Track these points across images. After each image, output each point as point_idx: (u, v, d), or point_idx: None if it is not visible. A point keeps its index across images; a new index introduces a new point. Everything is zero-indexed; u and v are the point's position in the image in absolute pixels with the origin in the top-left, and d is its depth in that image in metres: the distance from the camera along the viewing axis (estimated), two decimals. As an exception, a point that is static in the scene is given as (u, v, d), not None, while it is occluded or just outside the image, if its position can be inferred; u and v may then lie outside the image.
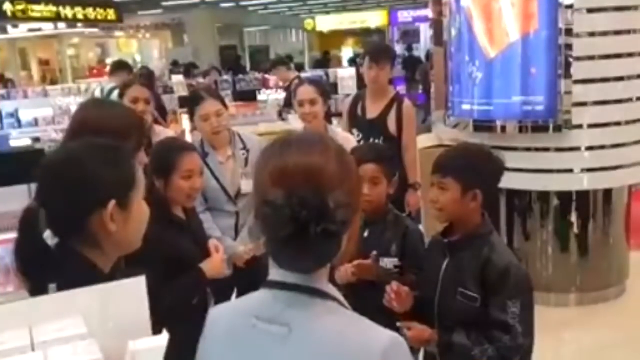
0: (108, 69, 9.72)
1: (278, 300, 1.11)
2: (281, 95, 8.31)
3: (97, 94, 7.49)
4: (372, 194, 2.37)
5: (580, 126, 3.98)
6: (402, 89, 11.41)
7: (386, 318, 1.54)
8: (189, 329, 1.34)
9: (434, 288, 2.12)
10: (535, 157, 4.10)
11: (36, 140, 6.47)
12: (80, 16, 13.49)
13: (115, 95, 4.38)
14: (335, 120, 5.55)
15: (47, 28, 16.37)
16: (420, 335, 2.03)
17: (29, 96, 8.79)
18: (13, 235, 1.53)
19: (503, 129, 4.12)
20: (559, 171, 4.09)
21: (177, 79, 10.13)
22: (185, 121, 7.01)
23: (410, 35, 22.27)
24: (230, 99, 8.41)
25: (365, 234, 2.37)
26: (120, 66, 6.57)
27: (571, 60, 3.86)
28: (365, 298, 1.92)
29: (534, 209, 4.25)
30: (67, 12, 12.96)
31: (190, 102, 3.30)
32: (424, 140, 5.08)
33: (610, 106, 3.97)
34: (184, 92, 8.74)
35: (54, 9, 12.49)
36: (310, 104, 3.43)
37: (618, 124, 4.00)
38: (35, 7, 12.05)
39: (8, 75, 16.21)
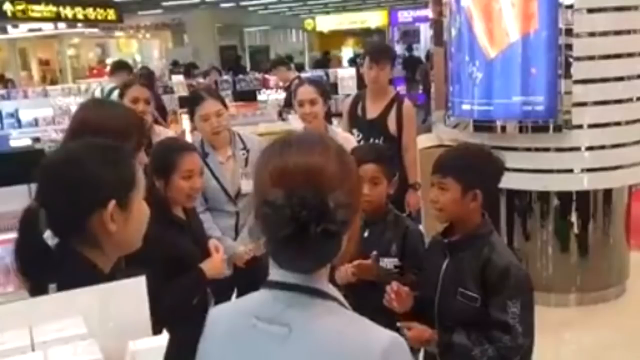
0: (108, 69, 9.72)
1: (278, 300, 1.11)
2: (281, 95, 8.31)
3: (97, 94, 7.49)
4: (372, 194, 2.37)
5: (580, 126, 3.98)
6: (402, 89, 11.42)
7: (386, 318, 1.54)
8: (189, 329, 1.34)
9: (434, 288, 2.12)
10: (535, 157, 4.10)
11: (36, 140, 6.45)
12: (80, 16, 13.49)
13: (115, 95, 4.38)
14: (335, 120, 5.54)
15: (47, 28, 16.35)
16: (420, 335, 2.03)
17: (29, 96, 8.80)
18: (13, 235, 1.52)
19: (503, 129, 4.11)
20: (559, 171, 4.09)
21: (177, 79, 10.14)
22: (185, 121, 7.01)
23: (410, 35, 22.28)
24: (230, 99, 8.41)
25: (365, 234, 2.37)
26: (120, 66, 6.56)
27: (571, 60, 3.86)
28: (365, 298, 1.92)
29: (534, 209, 4.25)
30: (67, 12, 12.95)
31: (190, 102, 3.30)
32: (424, 140, 5.08)
33: (610, 106, 3.97)
34: (184, 92, 8.75)
35: (54, 9, 12.48)
36: (310, 104, 3.43)
37: (618, 124, 4.00)
38: (35, 7, 12.03)
39: (8, 75, 16.22)
